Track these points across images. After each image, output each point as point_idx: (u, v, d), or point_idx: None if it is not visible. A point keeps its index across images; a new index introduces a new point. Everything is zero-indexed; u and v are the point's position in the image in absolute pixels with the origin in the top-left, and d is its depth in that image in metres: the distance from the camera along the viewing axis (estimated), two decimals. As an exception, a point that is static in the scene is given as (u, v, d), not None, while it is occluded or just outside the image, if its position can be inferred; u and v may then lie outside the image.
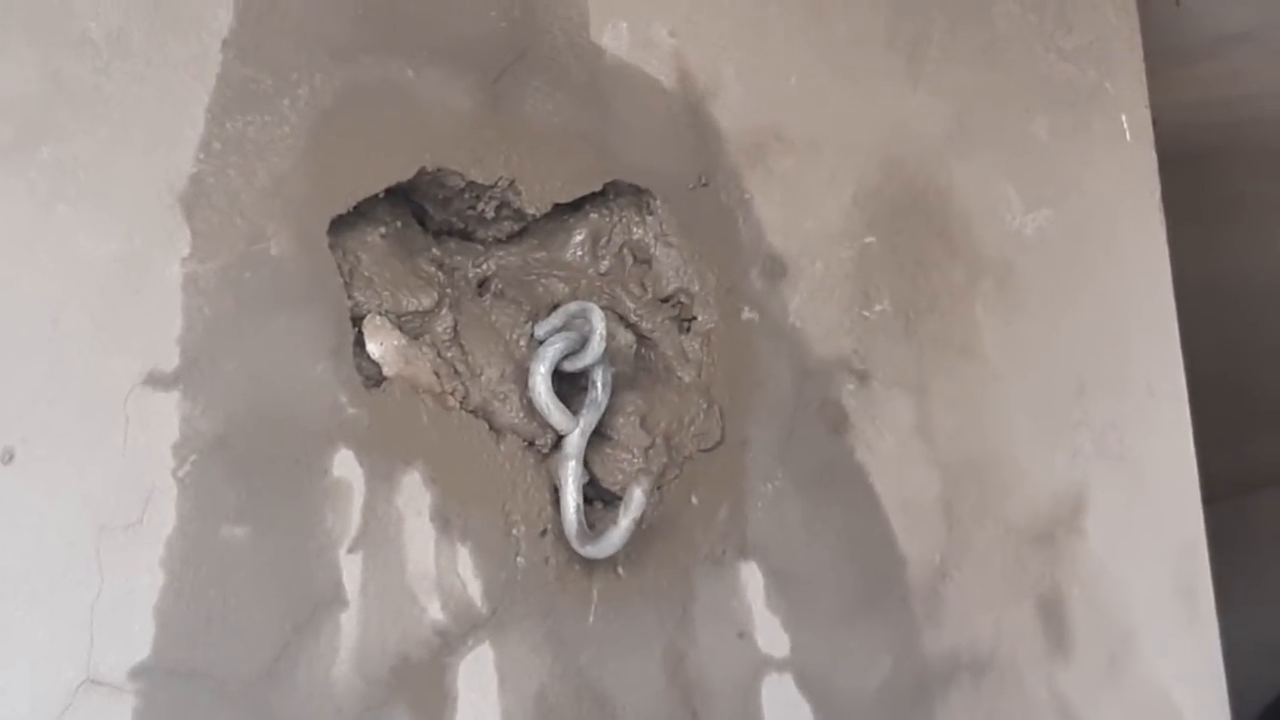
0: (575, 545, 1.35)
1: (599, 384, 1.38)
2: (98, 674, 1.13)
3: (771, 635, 1.49)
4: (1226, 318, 3.83)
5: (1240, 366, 4.07)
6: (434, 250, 1.42)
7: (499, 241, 1.46)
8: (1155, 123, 2.01)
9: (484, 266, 1.46)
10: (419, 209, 1.42)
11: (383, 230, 1.36)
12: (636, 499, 1.34)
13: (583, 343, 1.37)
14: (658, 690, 1.41)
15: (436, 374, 1.35)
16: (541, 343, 1.38)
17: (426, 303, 1.37)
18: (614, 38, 1.49)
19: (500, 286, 1.44)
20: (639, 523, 1.34)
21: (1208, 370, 2.30)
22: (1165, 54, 2.28)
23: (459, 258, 1.44)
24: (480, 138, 1.39)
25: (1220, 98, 2.83)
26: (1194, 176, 2.99)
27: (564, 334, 1.37)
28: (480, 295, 1.43)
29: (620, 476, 1.41)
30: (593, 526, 1.37)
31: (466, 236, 1.45)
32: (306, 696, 1.22)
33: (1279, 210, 3.70)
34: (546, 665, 1.35)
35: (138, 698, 1.15)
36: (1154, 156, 1.96)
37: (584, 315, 1.37)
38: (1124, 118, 1.93)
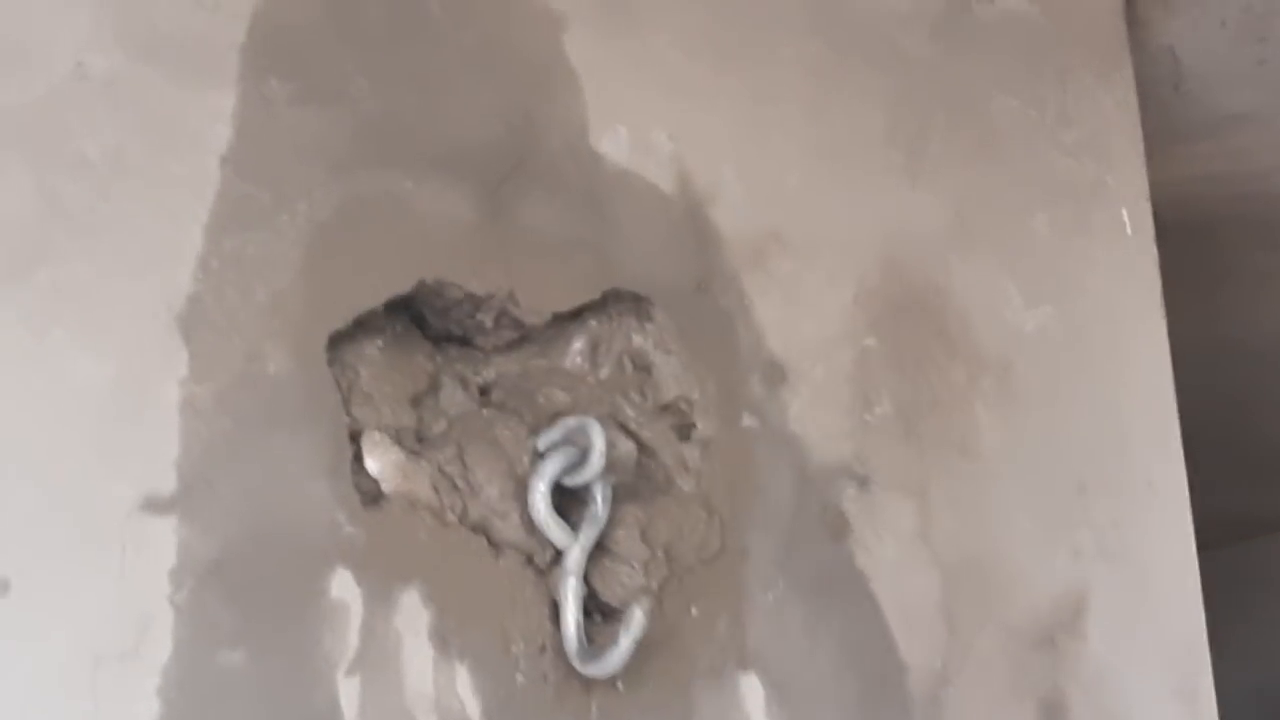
0: (576, 664, 1.33)
1: (599, 499, 1.37)
2: (94, 808, 1.12)
3: (772, 748, 1.48)
4: (1226, 376, 3.84)
5: (1238, 421, 4.09)
6: (435, 358, 1.41)
7: (498, 349, 1.45)
8: (1154, 194, 2.01)
9: (484, 374, 1.45)
10: (418, 314, 1.41)
11: (380, 342, 1.36)
12: (638, 619, 1.34)
13: (583, 457, 1.36)
14: (659, 808, 1.40)
15: (436, 490, 1.34)
16: (542, 457, 1.37)
17: (427, 418, 1.36)
18: (613, 143, 1.49)
19: (501, 396, 1.43)
20: (640, 641, 1.34)
21: (1207, 424, 2.30)
22: (1165, 133, 2.29)
23: (459, 365, 1.43)
24: (479, 248, 1.38)
25: (1221, 173, 2.82)
26: (1194, 245, 2.99)
27: (564, 449, 1.36)
28: (481, 404, 1.42)
29: (620, 591, 1.40)
30: (592, 641, 1.35)
31: (466, 342, 1.44)
32: (304, 824, 1.21)
33: (1275, 277, 3.70)
34: (546, 786, 1.34)
35: (133, 830, 1.13)
36: (1154, 250, 1.95)
37: (584, 430, 1.36)
38: (1125, 211, 1.93)
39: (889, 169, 1.71)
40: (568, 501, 1.38)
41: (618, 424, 1.46)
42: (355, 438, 1.31)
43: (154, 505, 1.18)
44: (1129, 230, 1.93)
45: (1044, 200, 1.85)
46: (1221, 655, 1.90)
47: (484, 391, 1.44)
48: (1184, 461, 1.90)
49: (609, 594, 1.40)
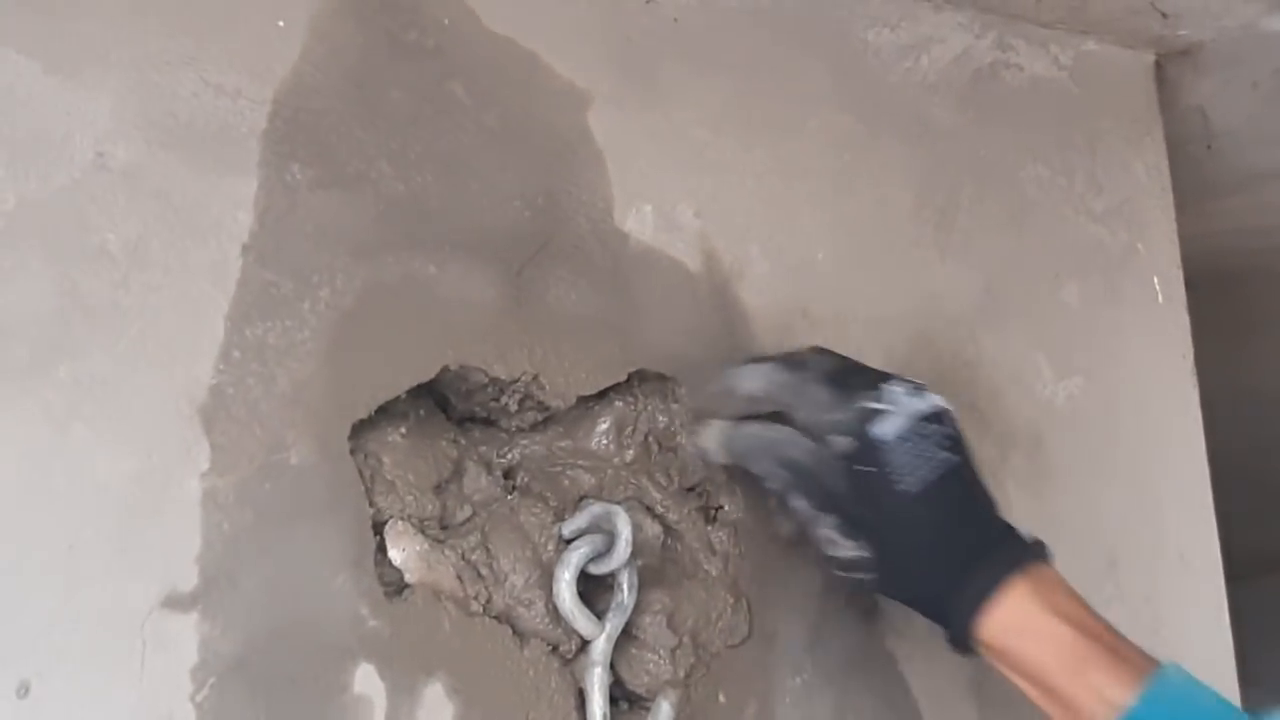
0: (602, 757, 1.32)
1: (624, 587, 1.36)
2: None
3: (804, 840, 1.46)
4: (1253, 420, 3.83)
5: (1266, 462, 4.10)
6: (458, 441, 1.40)
7: (522, 430, 1.44)
8: (1184, 248, 2.00)
9: (509, 456, 1.43)
10: (441, 396, 1.39)
11: (404, 429, 1.34)
12: (665, 711, 1.33)
13: (609, 544, 1.35)
14: None
15: (460, 579, 1.33)
16: (568, 543, 1.36)
17: (450, 505, 1.35)
18: (638, 222, 1.47)
19: (526, 479, 1.42)
20: (667, 733, 1.33)
21: (1235, 466, 2.28)
22: (1196, 190, 2.27)
23: (483, 448, 1.42)
24: (503, 332, 1.37)
25: (1251, 227, 2.81)
26: (1223, 297, 2.98)
27: (589, 536, 1.35)
28: (505, 488, 1.41)
29: (646, 679, 1.38)
30: (619, 731, 1.34)
31: (490, 423, 1.43)
32: None
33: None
34: None
35: None
36: (1186, 318, 1.94)
37: (609, 517, 1.35)
38: (1156, 280, 1.91)
39: (918, 242, 1.70)
40: (593, 587, 1.37)
41: (644, 507, 1.45)
42: (378, 528, 1.30)
43: (175, 602, 1.17)
44: (1160, 298, 1.91)
45: (1074, 270, 1.84)
46: (1255, 684, 1.89)
47: (508, 474, 1.42)
48: (1216, 532, 1.88)
49: (636, 682, 1.38)
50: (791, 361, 1.42)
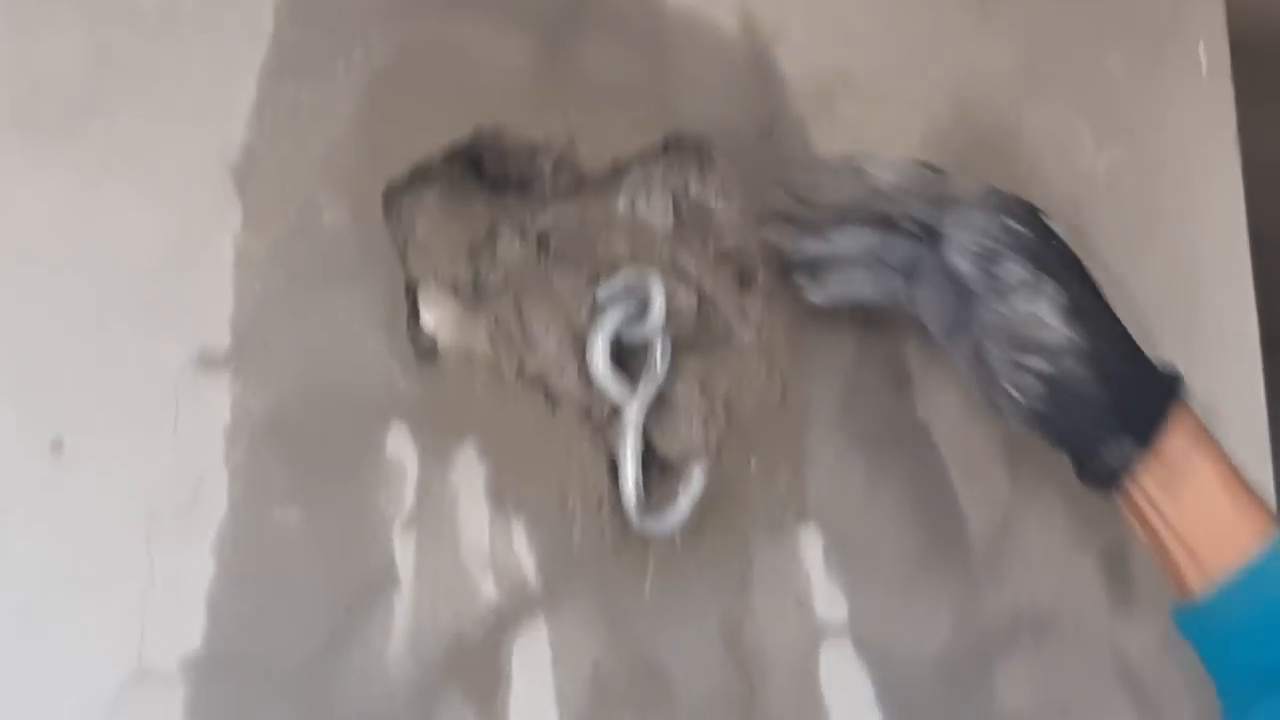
0: (634, 521, 1.33)
1: (658, 353, 1.35)
2: (149, 664, 1.12)
3: (830, 601, 1.47)
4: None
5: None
6: (492, 206, 1.39)
7: (556, 195, 1.43)
8: (1230, 16, 1.96)
9: (542, 222, 1.42)
10: (475, 161, 1.38)
11: (437, 191, 1.33)
12: (696, 478, 1.33)
13: (642, 310, 1.34)
14: (715, 660, 1.39)
15: (492, 343, 1.32)
16: (601, 310, 1.35)
17: (484, 269, 1.35)
18: (676, -16, 1.45)
19: (559, 245, 1.41)
20: (698, 500, 1.33)
21: (1276, 241, 2.27)
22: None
23: (517, 213, 1.41)
24: (538, 95, 1.36)
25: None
26: (1271, 63, 2.92)
27: (623, 301, 1.34)
28: (539, 254, 1.40)
29: (679, 445, 1.38)
30: (650, 496, 1.35)
31: (524, 189, 1.42)
32: (360, 680, 1.21)
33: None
34: (601, 640, 1.33)
35: (189, 687, 1.13)
36: (1230, 89, 1.91)
37: (643, 283, 1.34)
38: (1201, 48, 1.88)
39: (960, 7, 1.67)
40: (626, 354, 1.37)
41: (678, 274, 1.44)
42: (411, 290, 1.30)
43: (208, 362, 1.17)
44: (1205, 68, 1.88)
45: (1118, 37, 1.80)
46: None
47: (542, 240, 1.41)
48: (1255, 307, 1.87)
49: (668, 448, 1.38)
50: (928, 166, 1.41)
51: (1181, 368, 1.38)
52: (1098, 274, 1.39)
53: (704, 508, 1.37)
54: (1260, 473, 1.82)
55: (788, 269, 1.45)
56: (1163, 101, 1.83)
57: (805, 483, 1.46)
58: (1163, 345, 1.72)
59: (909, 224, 1.38)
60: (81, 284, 1.13)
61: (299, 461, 1.20)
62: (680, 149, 1.46)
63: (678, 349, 1.39)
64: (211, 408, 1.17)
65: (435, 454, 1.26)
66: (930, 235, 1.38)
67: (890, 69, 1.59)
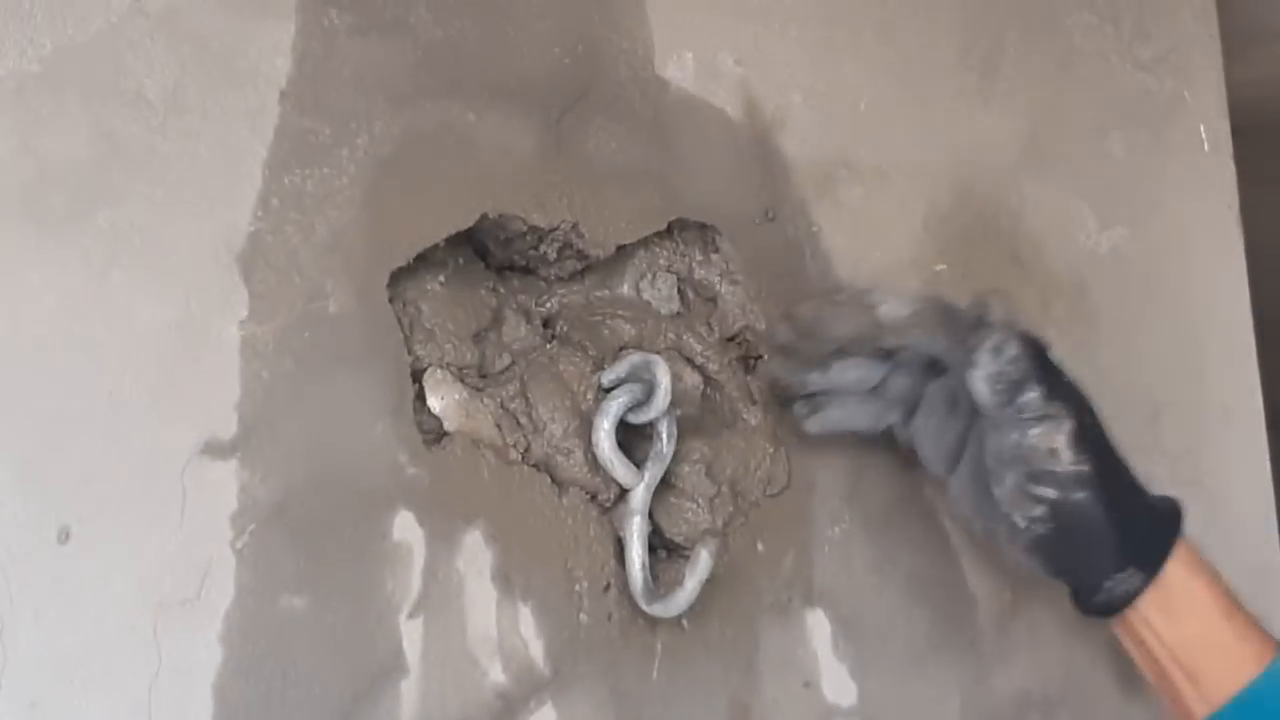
0: (641, 604, 1.33)
1: (664, 436, 1.35)
2: (156, 756, 1.12)
3: (838, 683, 1.46)
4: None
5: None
6: (497, 289, 1.40)
7: (561, 279, 1.43)
8: (1231, 97, 1.97)
9: (548, 305, 1.43)
10: (480, 245, 1.39)
11: (442, 277, 1.34)
12: (704, 560, 1.33)
13: (648, 393, 1.34)
14: (723, 744, 1.39)
15: (499, 427, 1.33)
16: (607, 393, 1.35)
17: (490, 353, 1.35)
18: (679, 69, 1.46)
19: (565, 329, 1.42)
20: (705, 582, 1.33)
21: None
22: (1244, 37, 2.24)
23: (522, 296, 1.42)
24: (542, 180, 1.36)
25: (1299, 74, 2.78)
26: (1271, 143, 2.94)
27: (628, 385, 1.35)
28: (545, 338, 1.40)
29: (685, 527, 1.39)
30: (658, 580, 1.35)
31: (529, 271, 1.43)
32: (367, 768, 1.20)
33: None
34: (610, 723, 1.33)
35: (197, 777, 1.13)
36: (1232, 167, 1.91)
37: (649, 367, 1.34)
38: (1203, 128, 1.88)
39: (961, 91, 1.68)
40: (632, 436, 1.37)
41: (683, 357, 1.44)
42: (417, 376, 1.30)
43: (215, 450, 1.17)
44: (1206, 147, 1.89)
45: (1120, 119, 1.81)
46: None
47: (547, 323, 1.42)
48: (1260, 385, 1.87)
49: (674, 531, 1.39)
50: (938, 299, 1.42)
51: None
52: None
53: (711, 591, 1.37)
54: (1267, 552, 1.82)
55: (788, 400, 1.46)
56: (1165, 181, 1.84)
57: (813, 564, 1.46)
58: (1169, 424, 1.73)
59: (910, 357, 1.41)
60: (88, 373, 1.13)
61: (306, 549, 1.20)
62: (685, 231, 1.47)
63: (684, 431, 1.39)
64: (218, 495, 1.17)
65: (442, 539, 1.27)
66: (934, 368, 1.41)
67: (892, 152, 1.59)
